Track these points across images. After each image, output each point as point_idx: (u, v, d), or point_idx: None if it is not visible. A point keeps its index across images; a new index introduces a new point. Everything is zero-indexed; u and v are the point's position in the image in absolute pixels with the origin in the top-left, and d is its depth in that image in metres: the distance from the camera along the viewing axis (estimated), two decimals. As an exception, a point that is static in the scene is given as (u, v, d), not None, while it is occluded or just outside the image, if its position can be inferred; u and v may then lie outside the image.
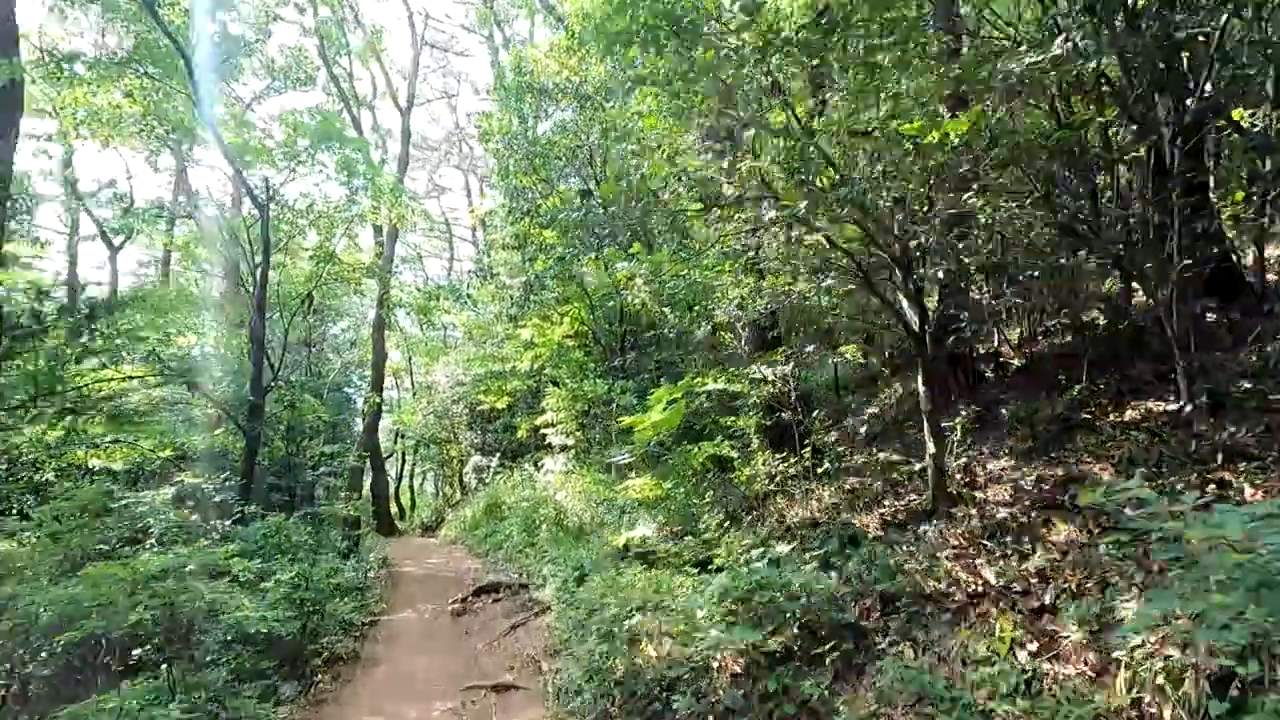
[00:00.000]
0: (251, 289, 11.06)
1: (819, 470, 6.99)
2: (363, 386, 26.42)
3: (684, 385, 7.19)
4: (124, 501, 7.21)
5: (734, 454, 7.77)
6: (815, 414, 7.65)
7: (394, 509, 35.06)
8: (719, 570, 5.57)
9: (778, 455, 7.37)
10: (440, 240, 39.07)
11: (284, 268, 15.83)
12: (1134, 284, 6.02)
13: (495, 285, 13.30)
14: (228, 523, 8.54)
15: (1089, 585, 3.99)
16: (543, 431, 13.85)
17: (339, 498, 14.81)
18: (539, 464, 14.67)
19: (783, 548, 5.47)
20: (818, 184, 5.10)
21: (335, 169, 10.80)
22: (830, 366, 9.53)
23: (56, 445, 7.70)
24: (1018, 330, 7.50)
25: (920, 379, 5.48)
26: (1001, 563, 4.47)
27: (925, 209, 5.39)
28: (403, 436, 31.42)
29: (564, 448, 13.12)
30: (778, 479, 7.20)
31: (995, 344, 7.47)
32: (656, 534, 5.88)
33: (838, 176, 5.20)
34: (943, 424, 5.56)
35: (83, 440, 9.42)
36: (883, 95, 5.16)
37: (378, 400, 15.79)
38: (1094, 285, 6.46)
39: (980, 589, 4.36)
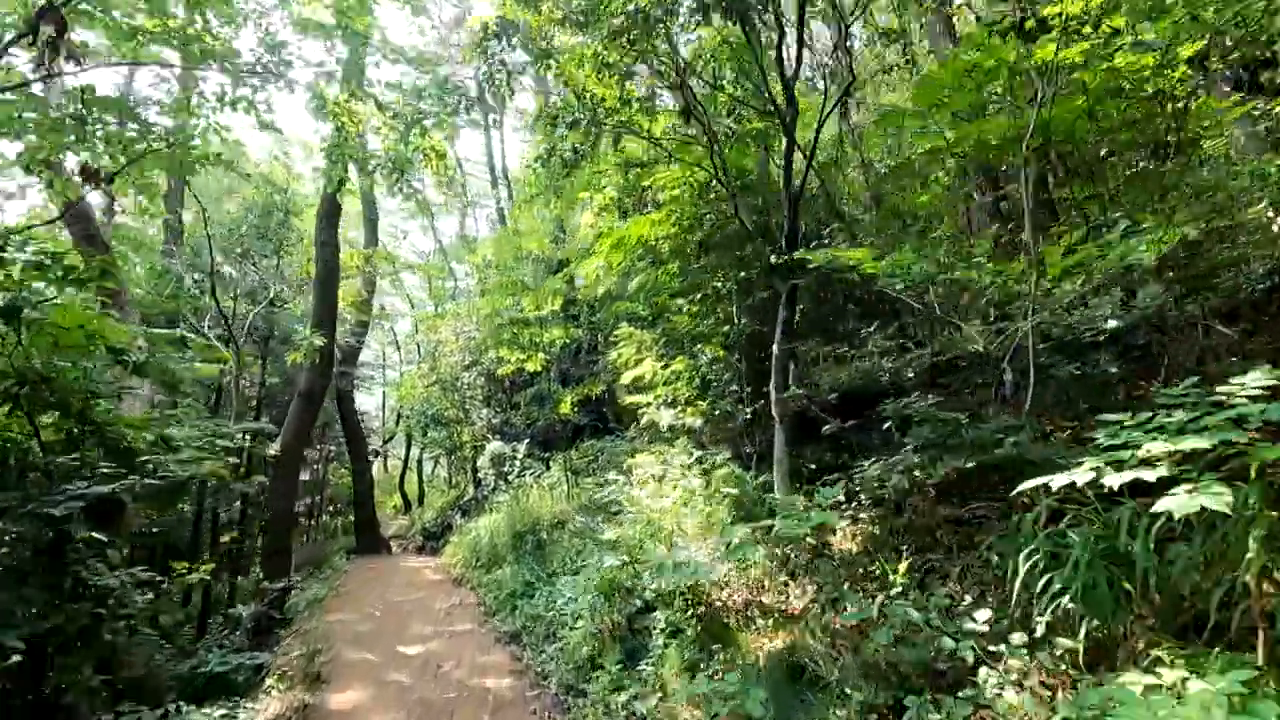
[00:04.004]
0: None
1: None
2: (372, 365, 19.88)
3: None
4: None
5: None
6: None
7: (399, 501, 28.98)
8: None
9: None
10: (453, 197, 32.43)
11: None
12: None
13: (552, 114, 6.30)
14: None
15: None
16: (630, 402, 7.13)
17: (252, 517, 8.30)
18: (617, 462, 7.99)
19: None
20: None
21: None
22: None
23: None
24: None
25: None
26: None
27: None
28: (404, 416, 25.02)
29: (685, 431, 6.38)
30: None
31: None
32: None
33: None
34: None
35: None
36: None
37: (317, 344, 9.16)
38: None
39: None
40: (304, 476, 20.94)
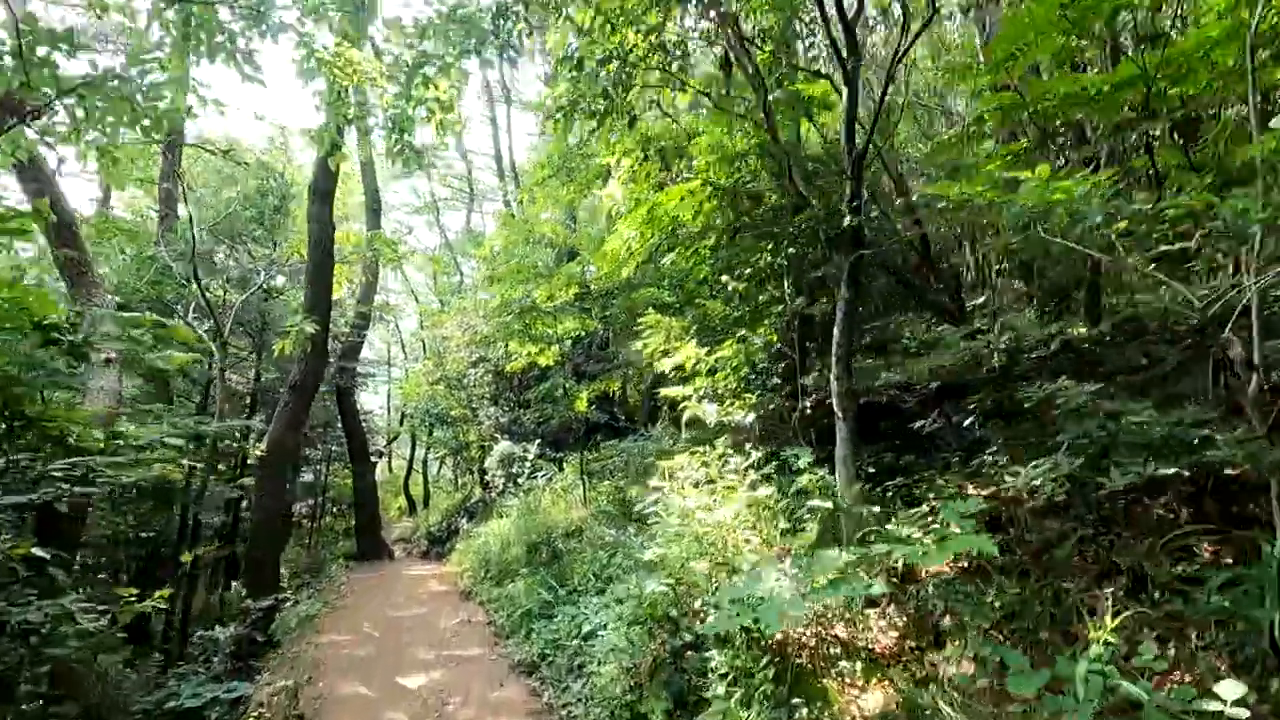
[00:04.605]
0: None
1: None
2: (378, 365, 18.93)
3: None
4: None
5: None
6: None
7: (404, 502, 28.08)
8: None
9: None
10: (459, 187, 31.65)
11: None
12: None
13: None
14: None
15: None
16: (662, 395, 6.21)
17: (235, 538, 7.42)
18: (640, 464, 7.06)
19: None
20: None
21: None
22: None
23: None
24: None
25: None
26: None
27: None
28: (408, 415, 24.13)
29: (731, 428, 5.43)
30: None
31: None
32: None
33: None
34: None
35: None
36: None
37: (308, 331, 8.19)
38: None
39: None
40: (306, 477, 20.09)
